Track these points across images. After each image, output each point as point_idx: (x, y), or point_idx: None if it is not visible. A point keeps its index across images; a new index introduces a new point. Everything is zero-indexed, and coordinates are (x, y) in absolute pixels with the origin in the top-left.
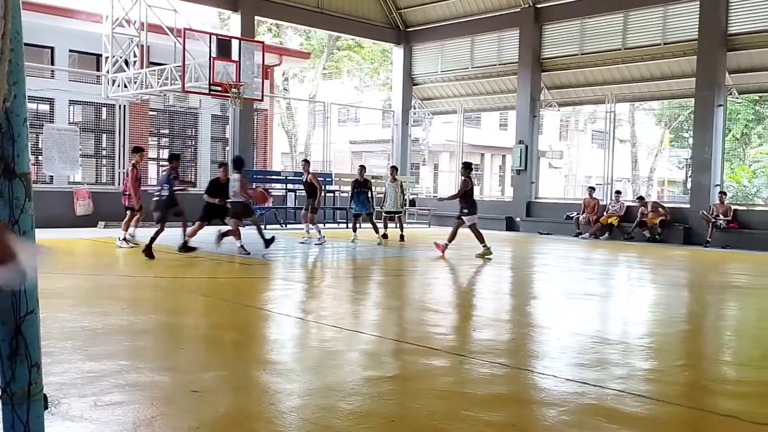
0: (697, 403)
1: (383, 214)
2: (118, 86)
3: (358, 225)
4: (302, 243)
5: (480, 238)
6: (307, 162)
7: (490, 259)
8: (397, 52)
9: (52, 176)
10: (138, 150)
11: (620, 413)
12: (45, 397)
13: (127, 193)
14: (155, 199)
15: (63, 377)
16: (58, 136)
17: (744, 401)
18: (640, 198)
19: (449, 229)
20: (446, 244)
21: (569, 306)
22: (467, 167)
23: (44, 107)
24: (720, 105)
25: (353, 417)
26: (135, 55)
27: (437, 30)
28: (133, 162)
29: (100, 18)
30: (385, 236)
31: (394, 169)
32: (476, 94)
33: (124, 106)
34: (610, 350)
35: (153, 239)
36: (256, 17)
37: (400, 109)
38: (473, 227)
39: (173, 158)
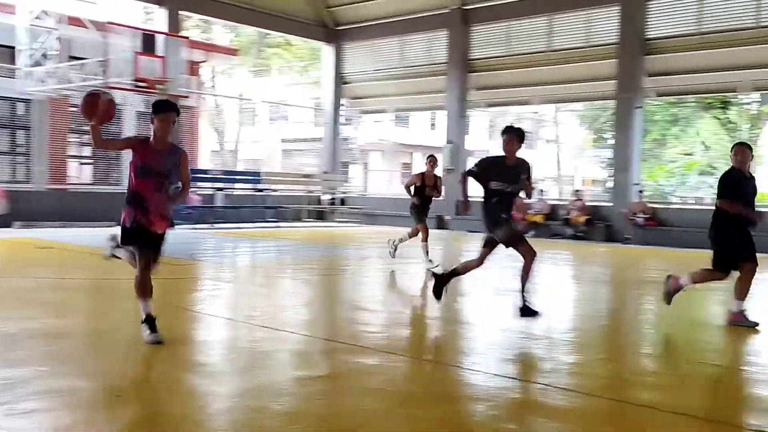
0: (618, 395)
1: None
2: (36, 80)
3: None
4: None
5: None
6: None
7: None
8: (327, 51)
9: None
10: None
11: (546, 406)
12: None
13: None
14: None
15: None
16: None
17: (662, 392)
18: (577, 191)
19: (382, 228)
20: None
21: (496, 302)
22: None
23: None
24: (638, 107)
25: (285, 417)
26: (54, 49)
27: (367, 29)
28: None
29: (13, 9)
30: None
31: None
32: (406, 94)
33: (42, 101)
34: (536, 345)
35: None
36: (182, 12)
37: (330, 108)
38: None
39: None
